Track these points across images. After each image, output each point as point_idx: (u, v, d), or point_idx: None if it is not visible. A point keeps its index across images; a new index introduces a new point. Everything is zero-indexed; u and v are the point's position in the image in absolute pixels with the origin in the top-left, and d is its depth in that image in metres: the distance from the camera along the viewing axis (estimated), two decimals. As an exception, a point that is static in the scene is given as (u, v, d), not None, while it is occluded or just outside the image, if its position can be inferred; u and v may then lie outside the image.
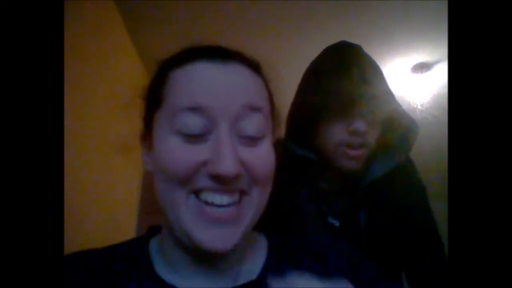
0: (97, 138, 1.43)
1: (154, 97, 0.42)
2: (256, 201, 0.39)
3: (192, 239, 0.37)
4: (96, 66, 1.43)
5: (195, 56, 0.41)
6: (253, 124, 0.39)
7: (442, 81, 2.15)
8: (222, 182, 0.37)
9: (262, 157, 0.40)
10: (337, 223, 0.76)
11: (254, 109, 0.39)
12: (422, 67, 2.08)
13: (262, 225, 0.45)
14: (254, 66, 0.43)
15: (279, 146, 0.78)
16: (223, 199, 0.38)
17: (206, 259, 0.41)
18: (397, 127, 0.77)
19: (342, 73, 0.74)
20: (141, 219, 1.90)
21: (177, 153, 0.37)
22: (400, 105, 0.77)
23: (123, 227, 1.77)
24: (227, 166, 0.35)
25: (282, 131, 0.76)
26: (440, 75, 2.11)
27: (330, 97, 0.72)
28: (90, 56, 1.38)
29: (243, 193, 0.39)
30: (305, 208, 0.76)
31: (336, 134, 0.72)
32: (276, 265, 0.43)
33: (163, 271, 0.42)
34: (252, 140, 0.39)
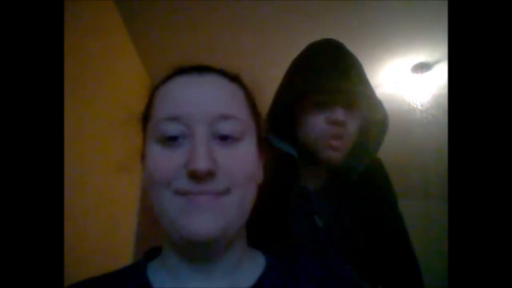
0: (97, 139, 1.42)
1: (145, 115, 0.47)
2: (238, 199, 0.41)
3: (178, 229, 0.39)
4: (96, 66, 1.43)
5: (176, 73, 0.46)
6: (228, 126, 0.41)
7: (442, 81, 2.15)
8: (197, 179, 0.38)
9: (239, 157, 0.42)
10: (320, 224, 0.76)
11: (227, 117, 0.41)
12: (422, 67, 2.07)
13: (250, 226, 0.45)
14: (232, 77, 0.46)
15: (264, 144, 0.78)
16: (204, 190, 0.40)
17: (201, 262, 0.42)
18: (373, 119, 0.78)
19: (324, 66, 0.74)
20: (141, 219, 1.90)
21: (158, 159, 0.41)
22: (377, 98, 0.77)
23: (123, 227, 1.77)
24: (200, 161, 0.38)
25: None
26: (440, 75, 2.11)
27: (311, 88, 0.73)
28: (90, 57, 1.37)
29: (224, 193, 0.40)
30: (293, 207, 0.75)
31: (316, 125, 0.73)
32: (274, 276, 0.44)
33: None
34: (229, 141, 0.41)
